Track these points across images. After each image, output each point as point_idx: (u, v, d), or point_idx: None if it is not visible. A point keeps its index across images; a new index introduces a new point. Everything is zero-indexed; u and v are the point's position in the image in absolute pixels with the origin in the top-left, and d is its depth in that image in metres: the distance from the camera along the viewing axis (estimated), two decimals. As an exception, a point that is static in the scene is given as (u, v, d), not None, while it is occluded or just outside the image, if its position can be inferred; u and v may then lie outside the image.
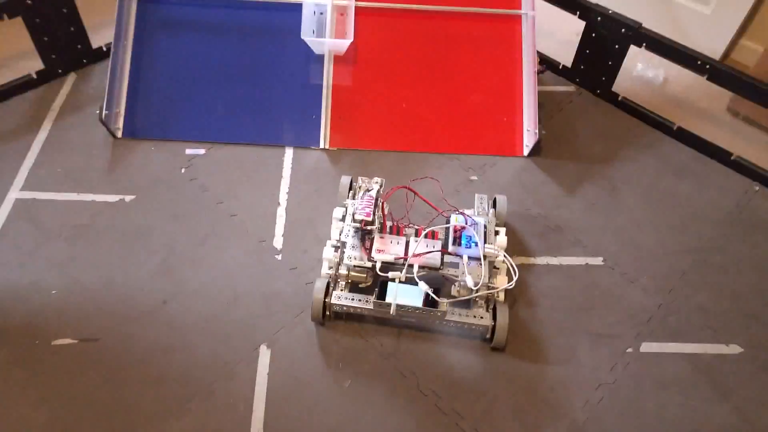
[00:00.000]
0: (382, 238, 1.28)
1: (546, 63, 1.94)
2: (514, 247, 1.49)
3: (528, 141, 1.70)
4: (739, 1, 1.86)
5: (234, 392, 1.23)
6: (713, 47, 1.98)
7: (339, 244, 1.32)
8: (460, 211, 1.34)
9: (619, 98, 1.85)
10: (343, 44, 1.68)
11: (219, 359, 1.27)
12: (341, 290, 1.30)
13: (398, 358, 1.29)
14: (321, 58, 1.72)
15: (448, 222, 1.34)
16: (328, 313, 1.30)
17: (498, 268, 1.33)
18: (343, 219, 1.37)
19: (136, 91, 1.70)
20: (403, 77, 1.75)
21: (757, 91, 1.61)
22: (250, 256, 1.45)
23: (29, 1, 1.64)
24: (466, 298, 1.26)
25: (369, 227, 1.25)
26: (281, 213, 1.55)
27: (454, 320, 1.27)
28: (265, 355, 1.28)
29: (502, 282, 1.30)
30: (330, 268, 1.32)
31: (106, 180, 1.59)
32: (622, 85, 1.86)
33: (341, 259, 1.30)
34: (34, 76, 1.79)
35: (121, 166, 1.62)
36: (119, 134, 1.68)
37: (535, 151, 1.71)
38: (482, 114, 1.74)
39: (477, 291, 1.24)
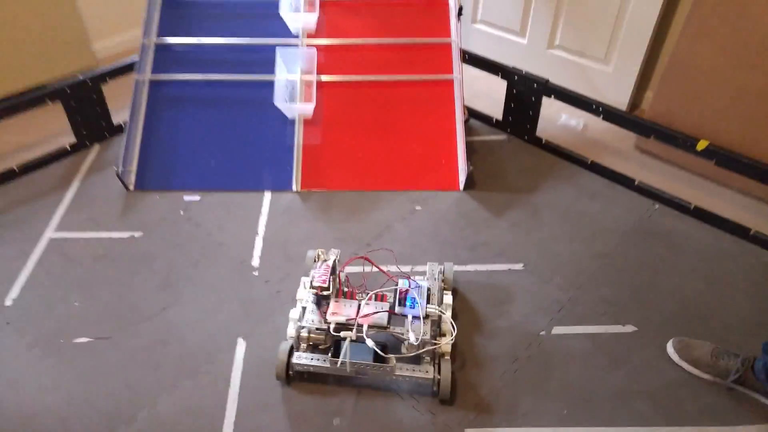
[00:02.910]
0: (336, 302, 1.44)
1: (471, 113, 2.38)
2: (448, 258, 1.82)
3: (462, 177, 2.08)
4: (633, 62, 2.29)
5: (215, 373, 1.53)
6: (620, 99, 2.38)
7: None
8: (408, 276, 1.50)
9: (543, 141, 2.23)
10: (309, 108, 2.12)
11: (205, 349, 1.59)
12: (302, 351, 1.46)
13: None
14: (293, 121, 2.15)
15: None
16: (291, 372, 1.46)
17: (442, 329, 1.47)
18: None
19: (146, 153, 2.14)
20: (359, 132, 2.16)
21: (647, 129, 1.98)
22: (233, 273, 1.80)
23: (68, 89, 2.12)
24: (411, 354, 1.40)
25: (324, 293, 1.40)
26: (259, 241, 1.91)
27: (402, 375, 1.41)
28: (241, 345, 1.60)
29: (447, 341, 1.44)
30: (295, 329, 1.47)
31: (120, 222, 1.98)
32: (548, 132, 2.24)
33: (301, 321, 1.44)
34: (68, 148, 2.25)
35: (132, 211, 2.02)
36: (131, 187, 2.10)
37: (470, 184, 2.07)
38: (425, 158, 2.13)
39: (419, 346, 1.38)
